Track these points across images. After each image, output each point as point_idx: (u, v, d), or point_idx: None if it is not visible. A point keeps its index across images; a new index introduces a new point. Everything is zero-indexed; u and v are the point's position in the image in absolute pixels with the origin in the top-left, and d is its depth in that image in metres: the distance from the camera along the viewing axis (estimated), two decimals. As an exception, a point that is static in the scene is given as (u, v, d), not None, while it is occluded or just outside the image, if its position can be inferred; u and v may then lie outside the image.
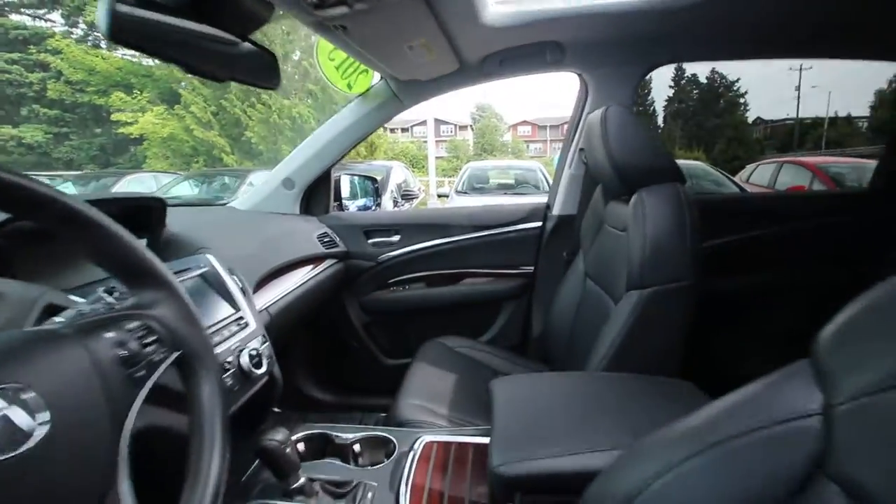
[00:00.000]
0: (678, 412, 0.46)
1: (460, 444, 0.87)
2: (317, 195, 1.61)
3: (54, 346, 0.36)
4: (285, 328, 1.18)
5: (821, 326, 0.37)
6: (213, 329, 0.76)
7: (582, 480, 0.49)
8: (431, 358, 1.31)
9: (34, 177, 0.37)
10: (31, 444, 0.31)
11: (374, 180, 1.95)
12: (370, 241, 1.61)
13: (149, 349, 0.44)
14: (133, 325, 0.44)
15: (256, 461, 0.83)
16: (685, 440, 0.42)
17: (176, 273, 0.80)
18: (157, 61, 12.64)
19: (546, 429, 0.72)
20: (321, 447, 0.91)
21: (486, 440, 0.75)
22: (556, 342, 1.32)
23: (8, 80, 12.48)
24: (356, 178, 1.88)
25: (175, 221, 1.00)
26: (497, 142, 35.69)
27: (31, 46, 12.34)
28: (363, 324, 1.64)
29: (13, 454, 0.30)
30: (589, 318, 1.18)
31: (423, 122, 23.37)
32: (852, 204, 1.63)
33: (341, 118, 1.47)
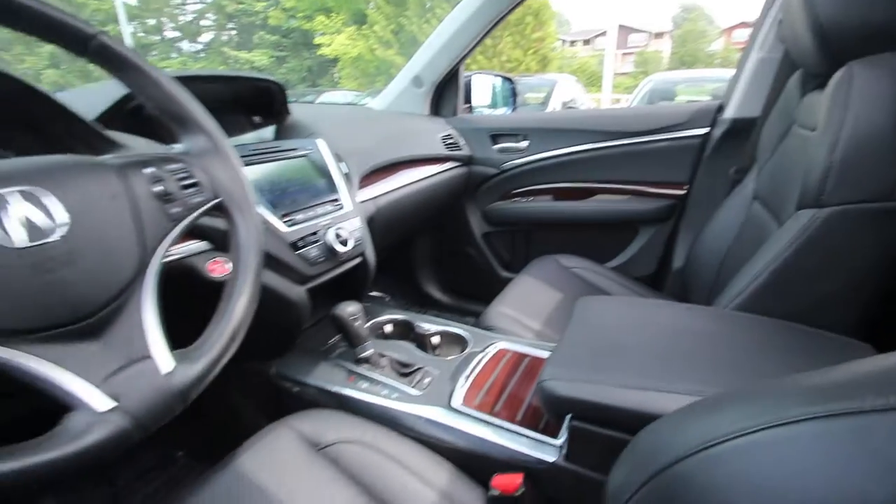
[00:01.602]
0: None
1: (535, 357, 0.80)
2: (446, 95, 1.55)
3: (90, 170, 0.41)
4: (394, 223, 1.21)
5: None
6: (308, 207, 0.81)
7: (644, 422, 0.38)
8: (540, 273, 1.22)
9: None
10: (51, 239, 0.35)
11: (510, 80, 1.78)
12: (496, 146, 1.51)
13: (188, 191, 0.47)
14: (174, 166, 0.47)
15: None
16: (801, 398, 0.27)
17: (282, 151, 0.87)
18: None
19: (621, 357, 0.59)
20: (406, 332, 0.95)
21: None
22: (700, 279, 1.07)
23: (243, 10, 15.01)
24: (496, 79, 1.74)
25: (304, 113, 1.07)
26: (702, 52, 29.43)
27: (254, -24, 14.43)
28: (483, 233, 1.60)
29: (35, 244, 0.35)
30: (744, 250, 0.92)
31: (606, 33, 20.44)
32: None
33: (466, 5, 1.33)
